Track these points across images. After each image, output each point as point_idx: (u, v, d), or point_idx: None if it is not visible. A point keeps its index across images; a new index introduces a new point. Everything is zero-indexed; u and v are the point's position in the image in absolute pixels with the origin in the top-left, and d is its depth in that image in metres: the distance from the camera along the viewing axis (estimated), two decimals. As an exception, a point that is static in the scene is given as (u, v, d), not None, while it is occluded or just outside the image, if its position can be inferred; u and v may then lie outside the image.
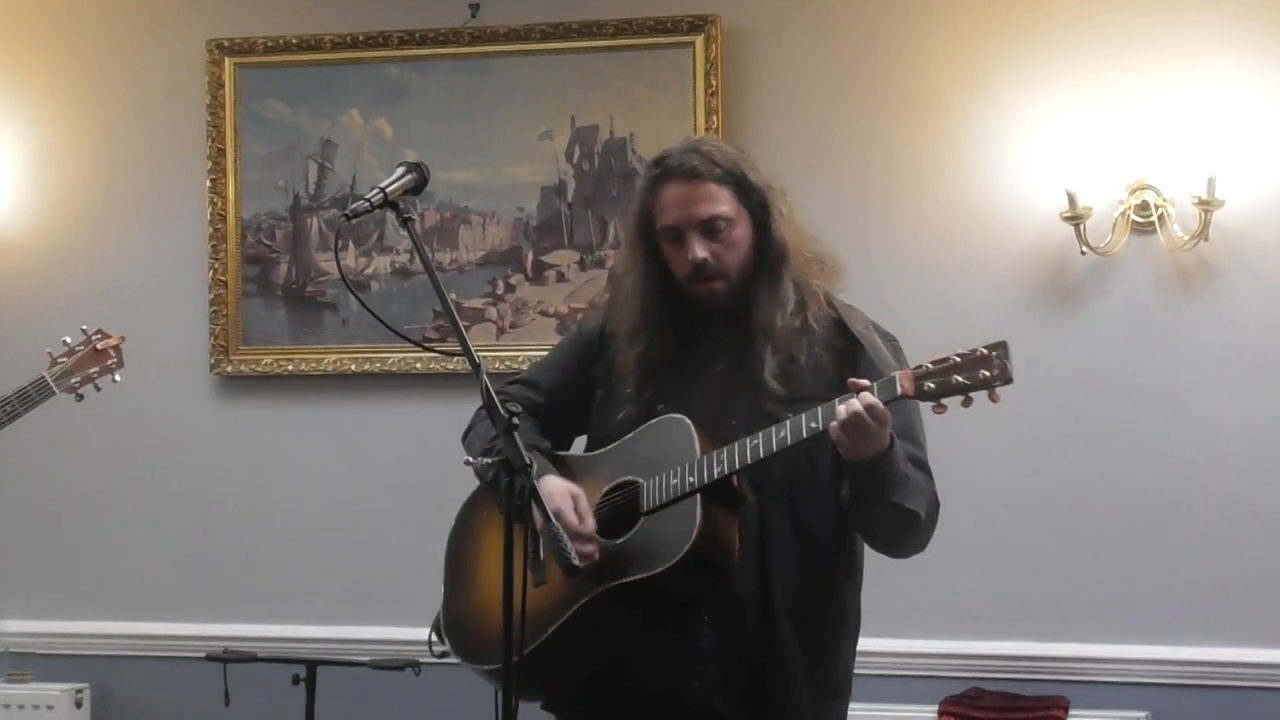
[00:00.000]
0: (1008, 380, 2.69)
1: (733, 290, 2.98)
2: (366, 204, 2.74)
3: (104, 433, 5.04)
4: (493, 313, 4.91)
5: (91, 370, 4.11)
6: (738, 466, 2.83)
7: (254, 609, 5.01)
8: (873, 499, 2.84)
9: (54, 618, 5.14)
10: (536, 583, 2.84)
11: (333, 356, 5.00)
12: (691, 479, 2.85)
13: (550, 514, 2.51)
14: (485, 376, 2.62)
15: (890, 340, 3.02)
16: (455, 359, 4.66)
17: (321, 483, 5.02)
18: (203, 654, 4.61)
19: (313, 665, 4.41)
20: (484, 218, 4.93)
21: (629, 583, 2.85)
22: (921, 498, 2.89)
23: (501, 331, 4.91)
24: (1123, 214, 4.50)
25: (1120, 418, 4.56)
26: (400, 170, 2.80)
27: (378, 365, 4.97)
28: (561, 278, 4.89)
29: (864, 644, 3.93)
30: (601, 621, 2.90)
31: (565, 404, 3.14)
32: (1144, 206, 4.48)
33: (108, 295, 5.10)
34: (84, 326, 4.17)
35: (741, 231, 2.97)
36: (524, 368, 4.47)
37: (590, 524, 2.90)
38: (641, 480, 2.93)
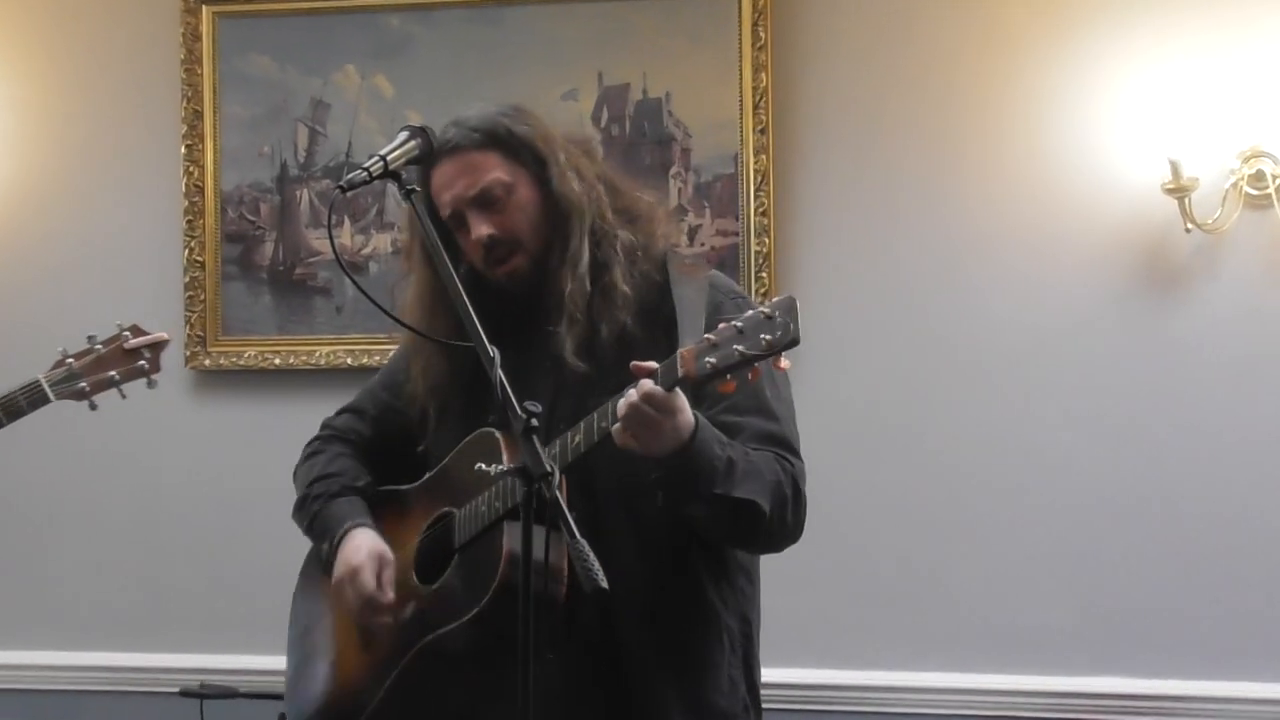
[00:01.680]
0: (791, 341, 2.62)
1: (536, 264, 3.00)
2: (365, 174, 2.77)
3: (61, 437, 5.04)
4: (508, 298, 4.92)
5: (112, 373, 3.85)
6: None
7: (235, 638, 5.01)
8: (687, 496, 2.82)
9: (5, 647, 5.16)
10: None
11: (325, 349, 5.02)
12: (497, 503, 2.87)
13: (575, 530, 2.51)
14: (500, 371, 2.63)
15: (732, 298, 3.02)
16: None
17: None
18: (177, 689, 4.63)
19: (302, 702, 4.44)
20: (498, 190, 4.94)
21: (447, 633, 2.86)
22: (759, 482, 2.86)
23: (518, 320, 4.91)
24: (1234, 185, 4.48)
25: (1231, 419, 4.54)
26: (403, 135, 2.84)
27: (377, 358, 4.95)
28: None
29: (928, 680, 3.93)
30: (431, 680, 2.92)
31: (395, 432, 3.18)
32: (1259, 177, 4.47)
33: (67, 278, 5.12)
34: (119, 322, 3.96)
35: (525, 194, 3.01)
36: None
37: (388, 596, 2.97)
38: (455, 510, 2.97)
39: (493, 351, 2.64)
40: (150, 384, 3.90)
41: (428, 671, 2.91)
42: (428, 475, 3.11)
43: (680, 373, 2.68)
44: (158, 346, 3.90)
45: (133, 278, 5.10)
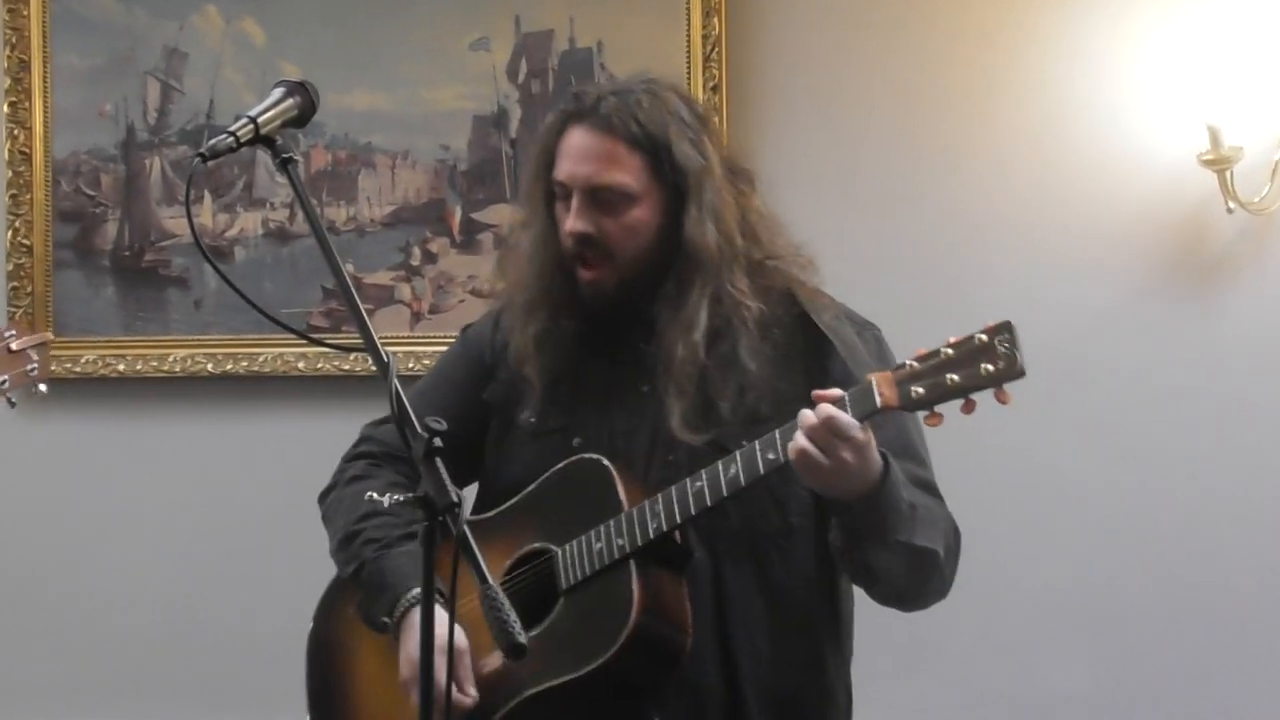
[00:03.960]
0: (1016, 374, 2.74)
1: (624, 286, 3.13)
2: (230, 140, 2.75)
3: None
4: (405, 291, 4.93)
5: (2, 378, 3.85)
6: (679, 520, 2.98)
7: (72, 709, 5.00)
8: (872, 542, 2.93)
9: None
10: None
11: (182, 352, 5.01)
12: (620, 541, 3.01)
13: (488, 577, 2.50)
14: (396, 380, 2.62)
15: (868, 329, 3.18)
16: (353, 355, 4.66)
17: (168, 528, 5.00)
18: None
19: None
20: (393, 159, 4.96)
21: (555, 686, 2.98)
22: (937, 529, 3.00)
23: (418, 317, 4.93)
24: (1285, 156, 4.53)
25: (1281, 431, 4.59)
26: (278, 93, 2.84)
27: (244, 364, 4.97)
28: (502, 242, 4.88)
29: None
30: None
31: (451, 445, 3.16)
32: (1314, 146, 4.52)
33: None
34: None
35: (644, 214, 3.12)
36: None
37: (471, 695, 3.05)
38: (555, 547, 3.07)
39: (386, 358, 2.64)
40: (34, 392, 3.91)
41: None
42: (509, 504, 3.20)
43: (878, 402, 2.80)
44: (44, 348, 3.93)
45: (-57, 265, 5.06)
